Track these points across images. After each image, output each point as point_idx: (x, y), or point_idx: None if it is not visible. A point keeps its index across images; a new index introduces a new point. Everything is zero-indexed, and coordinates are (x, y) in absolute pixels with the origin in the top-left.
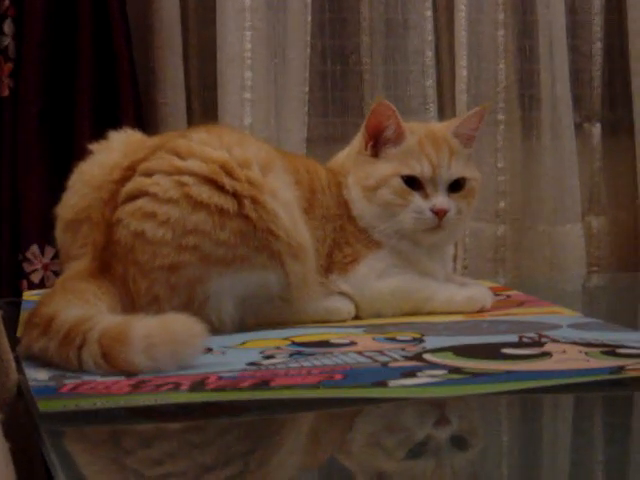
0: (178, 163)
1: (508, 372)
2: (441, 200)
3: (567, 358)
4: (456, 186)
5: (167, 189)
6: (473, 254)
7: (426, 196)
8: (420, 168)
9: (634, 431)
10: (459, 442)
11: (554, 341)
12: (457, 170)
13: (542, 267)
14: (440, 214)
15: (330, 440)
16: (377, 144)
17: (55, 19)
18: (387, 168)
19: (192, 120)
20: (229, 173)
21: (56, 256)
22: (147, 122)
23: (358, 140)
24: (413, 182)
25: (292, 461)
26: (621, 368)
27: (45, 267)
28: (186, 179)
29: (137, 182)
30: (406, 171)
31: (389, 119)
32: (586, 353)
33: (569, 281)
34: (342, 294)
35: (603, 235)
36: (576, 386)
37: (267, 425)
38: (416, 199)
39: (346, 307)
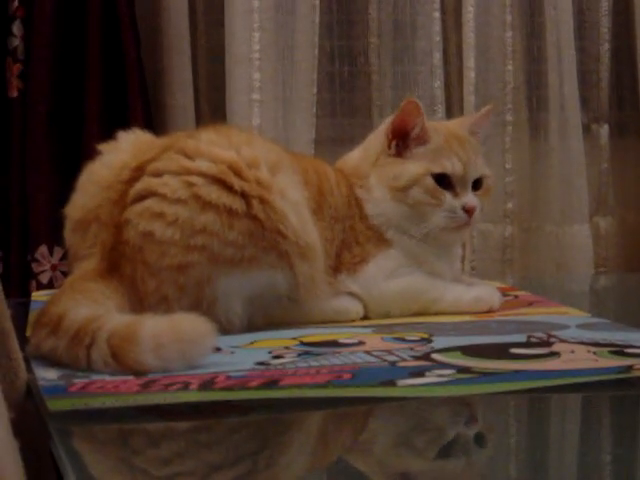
0: (187, 163)
1: (517, 372)
2: (470, 198)
3: (575, 358)
4: (477, 184)
5: (176, 189)
6: (481, 255)
7: (456, 194)
8: (451, 166)
9: None
10: (468, 441)
11: (562, 341)
12: (481, 168)
13: (550, 268)
14: (471, 212)
15: (339, 439)
16: (403, 143)
17: (64, 20)
18: (417, 167)
19: (200, 121)
20: (238, 173)
21: (65, 257)
22: (156, 123)
23: (378, 140)
24: (443, 180)
25: (301, 460)
26: (630, 367)
27: (54, 268)
28: (195, 179)
29: (146, 182)
30: (438, 169)
31: (417, 118)
32: (594, 353)
33: (577, 281)
34: (350, 294)
35: (611, 236)
36: (584, 385)
37: (276, 424)
38: (448, 198)
39: (354, 307)
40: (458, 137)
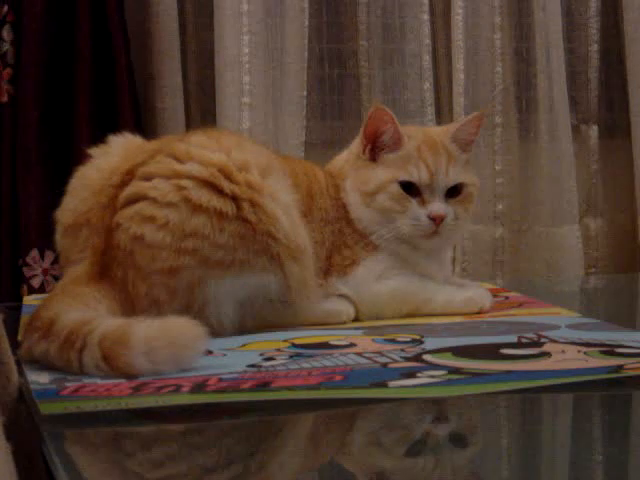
0: (177, 167)
1: (508, 372)
2: (438, 206)
3: (566, 358)
4: (453, 192)
5: (166, 193)
6: (471, 256)
7: (423, 202)
8: (417, 174)
9: (633, 429)
10: (459, 441)
11: (553, 341)
12: (454, 176)
13: (540, 269)
14: (437, 220)
15: (331, 441)
16: (375, 148)
17: (54, 25)
18: (385, 173)
19: (190, 125)
20: (228, 176)
21: (56, 261)
22: (146, 127)
23: (356, 144)
24: (410, 188)
25: (293, 462)
26: (620, 367)
27: (45, 272)
28: (185, 183)
29: (136, 186)
30: (403, 177)
31: (386, 124)
32: (585, 353)
33: (567, 282)
34: (341, 296)
35: (600, 237)
36: (575, 385)
37: (268, 426)
38: (413, 206)
39: (345, 309)
40: (432, 144)
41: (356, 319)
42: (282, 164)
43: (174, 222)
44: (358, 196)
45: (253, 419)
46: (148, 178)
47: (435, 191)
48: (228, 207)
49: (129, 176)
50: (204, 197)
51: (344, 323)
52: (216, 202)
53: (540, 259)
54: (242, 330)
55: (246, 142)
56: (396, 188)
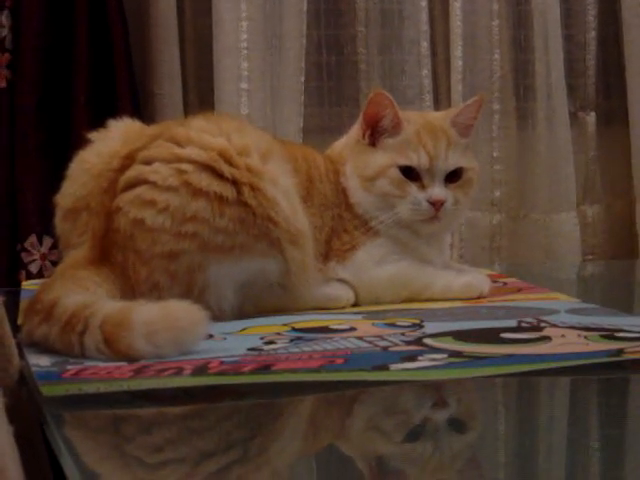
0: (177, 151)
1: (508, 355)
2: (437, 191)
3: (566, 342)
4: (453, 176)
5: (166, 177)
6: (469, 243)
7: (423, 187)
8: (417, 159)
9: (633, 412)
10: (459, 425)
11: (553, 326)
12: (454, 160)
13: (537, 255)
14: (437, 205)
15: (332, 423)
16: (374, 133)
17: (52, 10)
18: (385, 158)
19: (188, 111)
20: (228, 160)
21: (54, 246)
22: (144, 113)
23: (356, 129)
24: (410, 172)
25: (294, 445)
26: (620, 351)
27: (43, 257)
28: (185, 166)
29: (136, 170)
30: (403, 161)
31: (386, 109)
32: (585, 337)
33: (564, 269)
34: (341, 281)
35: (598, 223)
36: (576, 369)
37: (269, 408)
38: (413, 190)
39: (345, 294)
40: (432, 129)
41: (355, 304)
42: (282, 149)
43: (174, 206)
44: (358, 181)
45: (254, 401)
46: (148, 162)
47: (435, 176)
48: (228, 191)
49: (129, 160)
50: (204, 181)
51: (344, 308)
52: (216, 186)
53: (537, 246)
54: (242, 314)
55: (246, 127)
56: (396, 173)
